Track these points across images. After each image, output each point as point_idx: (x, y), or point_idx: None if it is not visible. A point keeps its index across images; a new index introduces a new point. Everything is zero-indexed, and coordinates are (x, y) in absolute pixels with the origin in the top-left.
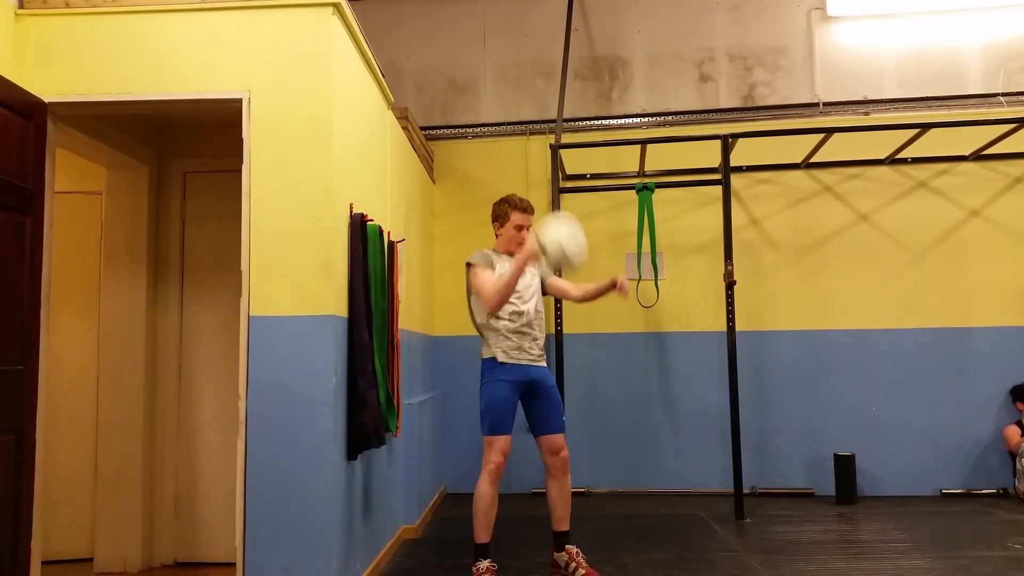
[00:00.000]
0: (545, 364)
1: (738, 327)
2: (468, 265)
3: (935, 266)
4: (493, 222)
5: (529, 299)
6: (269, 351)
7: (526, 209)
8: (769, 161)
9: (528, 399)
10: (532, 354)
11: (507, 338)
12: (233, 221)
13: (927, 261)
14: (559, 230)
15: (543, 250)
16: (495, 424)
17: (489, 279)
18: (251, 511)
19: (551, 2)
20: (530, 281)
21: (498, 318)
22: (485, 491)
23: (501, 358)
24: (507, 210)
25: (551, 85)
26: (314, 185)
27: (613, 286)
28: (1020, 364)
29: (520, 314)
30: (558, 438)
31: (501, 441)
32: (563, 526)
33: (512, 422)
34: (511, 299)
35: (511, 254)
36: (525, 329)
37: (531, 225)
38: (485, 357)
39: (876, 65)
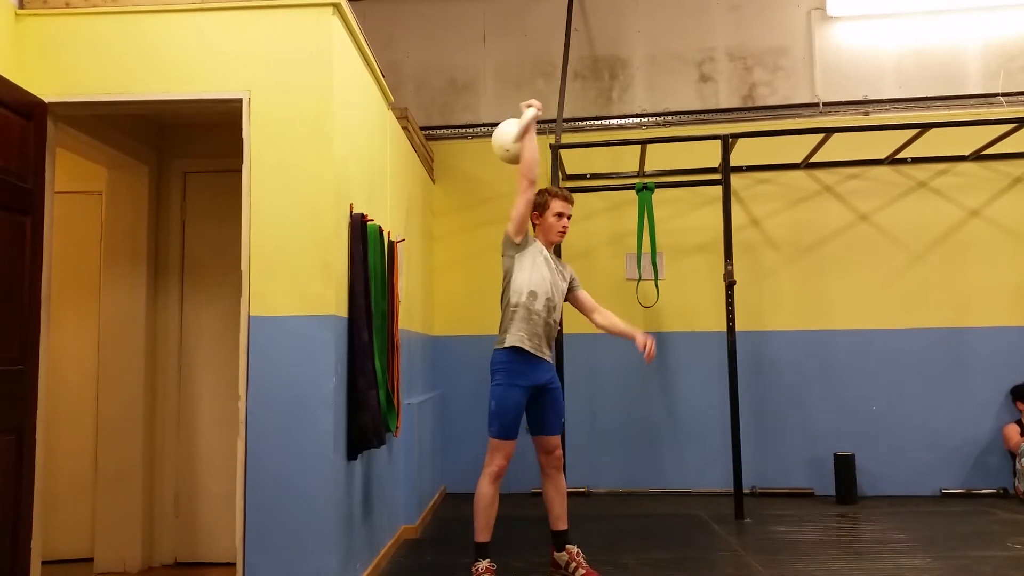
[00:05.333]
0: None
1: (738, 327)
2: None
3: (935, 266)
4: (532, 211)
5: (560, 295)
6: (269, 351)
7: (566, 198)
8: (769, 161)
9: (533, 400)
10: (546, 351)
11: (532, 325)
12: (233, 221)
13: (927, 261)
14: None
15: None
16: (504, 429)
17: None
18: (251, 511)
19: (551, 2)
20: (560, 283)
21: (534, 302)
22: (486, 490)
23: (520, 343)
24: (547, 198)
25: (551, 85)
26: (314, 185)
27: (640, 345)
28: (1020, 364)
29: (552, 308)
30: (554, 439)
31: (508, 446)
32: (561, 524)
33: (519, 428)
34: (549, 289)
35: (550, 246)
36: (550, 324)
37: (571, 214)
38: (503, 347)
39: (876, 65)
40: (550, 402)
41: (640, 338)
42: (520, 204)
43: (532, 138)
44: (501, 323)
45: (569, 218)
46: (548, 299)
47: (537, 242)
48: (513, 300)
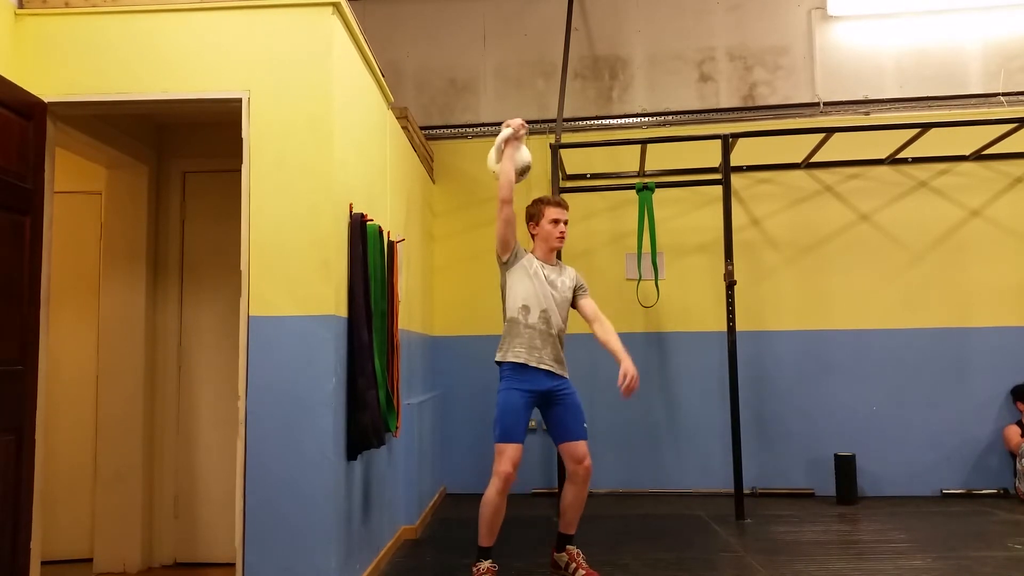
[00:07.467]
0: (567, 376)
1: (738, 327)
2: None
3: (935, 266)
4: (528, 223)
5: (559, 304)
6: (269, 351)
7: (559, 203)
8: (769, 161)
9: (547, 407)
10: (549, 362)
11: (529, 338)
12: (233, 221)
13: (927, 261)
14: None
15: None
16: (505, 432)
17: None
18: (251, 511)
19: (551, 2)
20: (557, 293)
21: (527, 316)
22: (492, 499)
23: (517, 358)
24: (540, 207)
25: (551, 85)
26: (314, 185)
27: (620, 376)
28: (1020, 364)
29: (550, 318)
30: (580, 445)
31: (511, 450)
32: (571, 530)
33: (524, 431)
34: (542, 301)
35: (547, 260)
36: (550, 334)
37: (567, 219)
38: (500, 361)
39: (876, 65)
40: (564, 407)
41: (623, 367)
42: (498, 224)
43: (508, 158)
44: (502, 336)
45: (566, 223)
46: (543, 311)
47: (528, 255)
48: (508, 315)
